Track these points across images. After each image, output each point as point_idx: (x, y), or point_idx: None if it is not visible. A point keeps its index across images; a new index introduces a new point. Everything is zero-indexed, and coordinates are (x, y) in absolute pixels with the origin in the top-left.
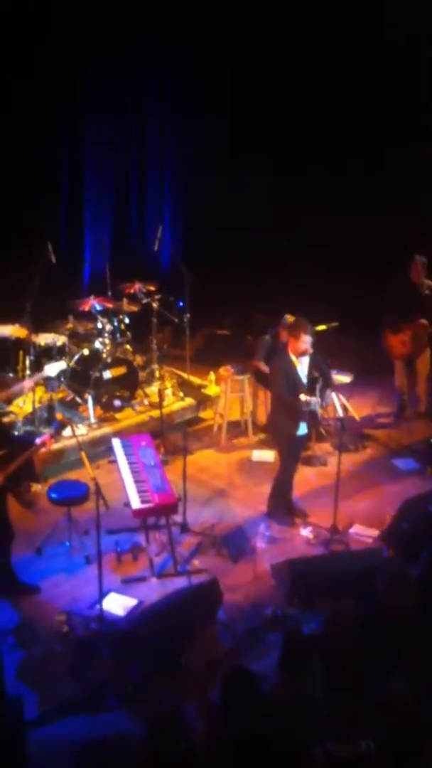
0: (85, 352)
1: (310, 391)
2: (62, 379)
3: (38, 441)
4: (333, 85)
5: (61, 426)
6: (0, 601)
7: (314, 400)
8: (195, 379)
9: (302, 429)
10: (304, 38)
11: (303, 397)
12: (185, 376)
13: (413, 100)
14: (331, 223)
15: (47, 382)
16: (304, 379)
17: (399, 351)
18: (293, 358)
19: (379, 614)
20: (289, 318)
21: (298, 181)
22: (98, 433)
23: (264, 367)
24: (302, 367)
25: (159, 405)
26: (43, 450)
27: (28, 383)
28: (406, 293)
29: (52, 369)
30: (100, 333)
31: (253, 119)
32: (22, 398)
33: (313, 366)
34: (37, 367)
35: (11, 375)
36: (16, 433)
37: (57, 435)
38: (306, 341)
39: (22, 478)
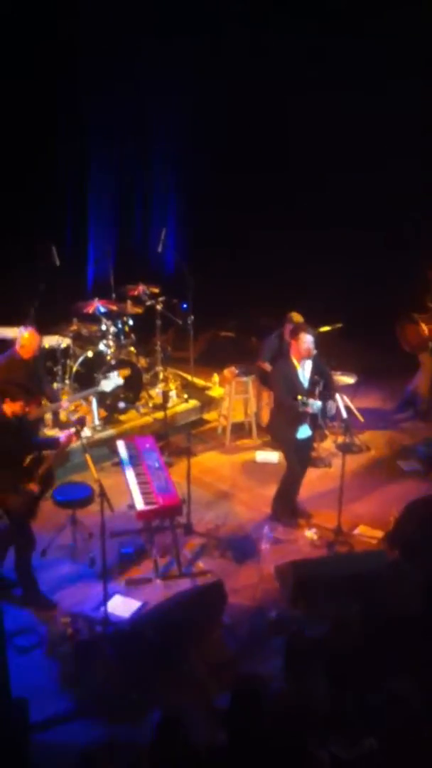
0: (89, 354)
1: (311, 395)
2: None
3: (63, 439)
4: (337, 82)
5: (82, 423)
6: (6, 604)
7: (311, 401)
8: (199, 381)
9: (303, 432)
10: (307, 36)
11: (300, 397)
12: (189, 377)
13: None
14: (336, 225)
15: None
16: (306, 384)
17: (417, 342)
18: (295, 362)
19: (383, 617)
20: (294, 316)
21: (303, 182)
22: (102, 435)
23: (268, 367)
24: (304, 371)
25: (163, 407)
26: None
27: (66, 403)
28: (421, 285)
29: (108, 384)
30: (104, 335)
31: (258, 120)
32: None
33: (315, 371)
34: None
35: (56, 385)
36: None
37: (79, 432)
38: (307, 341)
39: (53, 479)
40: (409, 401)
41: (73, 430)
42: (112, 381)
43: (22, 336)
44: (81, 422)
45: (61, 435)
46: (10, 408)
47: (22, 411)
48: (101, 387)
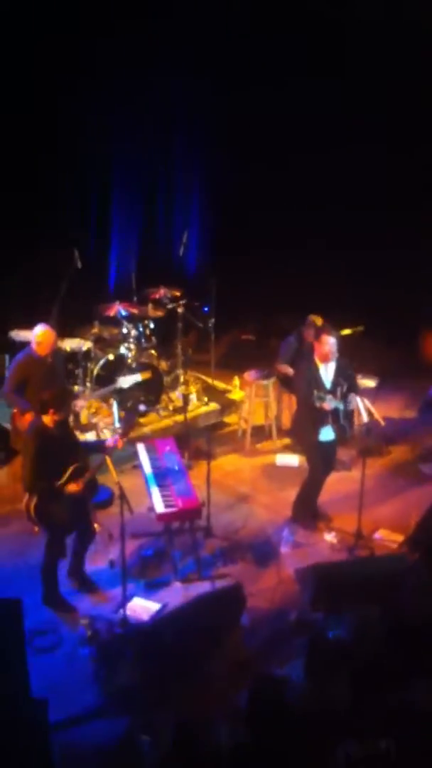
0: (111, 357)
1: (332, 394)
2: (88, 384)
3: (110, 443)
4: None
5: (128, 424)
6: (27, 604)
7: (329, 398)
8: (219, 384)
9: (326, 434)
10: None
11: (316, 392)
12: (210, 380)
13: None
14: (355, 227)
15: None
16: (328, 384)
17: None
18: (318, 362)
19: (404, 619)
20: (314, 318)
21: (323, 184)
22: None
23: (286, 369)
24: (327, 372)
25: (183, 410)
26: None
27: (81, 402)
28: None
29: (126, 381)
30: (125, 338)
31: (281, 121)
32: None
33: (338, 373)
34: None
35: (77, 388)
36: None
37: (126, 434)
38: (329, 343)
39: (96, 487)
40: (429, 404)
41: (117, 434)
42: (130, 378)
43: (36, 333)
44: (127, 425)
45: (109, 438)
46: (51, 419)
47: (60, 417)
48: (118, 384)
